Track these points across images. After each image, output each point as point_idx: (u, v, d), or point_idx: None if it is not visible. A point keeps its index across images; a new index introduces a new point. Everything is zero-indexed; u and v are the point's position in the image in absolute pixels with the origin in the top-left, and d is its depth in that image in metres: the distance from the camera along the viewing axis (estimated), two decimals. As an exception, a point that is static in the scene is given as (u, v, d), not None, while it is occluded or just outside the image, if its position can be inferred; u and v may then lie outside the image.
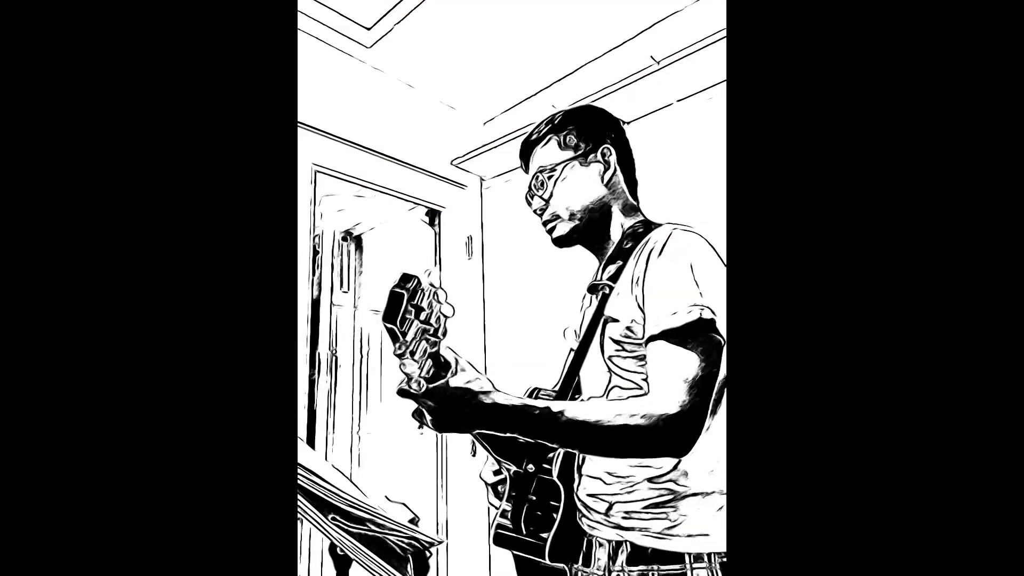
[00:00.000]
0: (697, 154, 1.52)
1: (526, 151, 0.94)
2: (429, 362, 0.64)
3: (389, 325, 0.61)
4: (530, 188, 0.92)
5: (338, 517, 0.62)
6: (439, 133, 1.96)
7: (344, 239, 1.97)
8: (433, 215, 2.00)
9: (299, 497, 0.60)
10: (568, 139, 0.88)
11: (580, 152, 0.87)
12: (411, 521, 0.67)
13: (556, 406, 0.67)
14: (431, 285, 0.64)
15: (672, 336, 0.67)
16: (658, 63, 1.46)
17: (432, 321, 0.64)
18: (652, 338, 0.70)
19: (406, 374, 0.64)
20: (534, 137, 0.92)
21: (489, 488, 0.92)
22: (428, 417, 0.66)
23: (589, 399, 0.83)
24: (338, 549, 0.63)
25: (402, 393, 0.64)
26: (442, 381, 0.64)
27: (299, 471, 0.60)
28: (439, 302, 0.65)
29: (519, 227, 2.00)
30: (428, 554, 0.68)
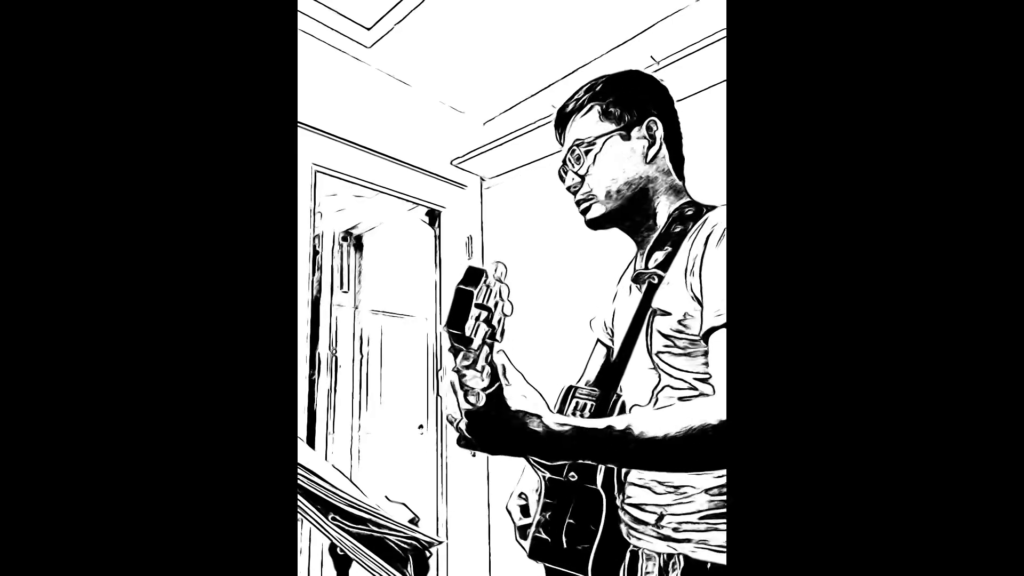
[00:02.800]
0: (697, 154, 1.52)
1: (562, 121, 0.83)
2: (488, 370, 0.54)
3: (455, 331, 0.51)
4: (564, 162, 0.81)
5: (338, 517, 0.62)
6: (439, 133, 1.96)
7: (344, 239, 1.97)
8: (433, 215, 2.00)
9: (299, 497, 0.60)
10: (611, 109, 0.78)
11: (623, 124, 0.77)
12: (411, 521, 0.67)
13: (619, 424, 0.58)
14: (497, 280, 0.55)
15: None
16: (658, 63, 1.46)
17: (493, 322, 0.54)
18: (714, 330, 0.62)
19: (468, 388, 0.54)
20: (572, 106, 0.81)
21: (514, 519, 0.83)
22: (475, 439, 0.56)
23: (633, 408, 0.76)
24: (338, 549, 0.63)
25: (466, 416, 0.54)
26: (494, 389, 0.55)
27: (299, 471, 0.60)
28: (503, 299, 0.55)
29: (519, 227, 2.00)
30: (428, 554, 0.68)
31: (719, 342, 0.62)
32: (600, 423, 0.59)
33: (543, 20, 1.53)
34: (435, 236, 2.00)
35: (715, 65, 1.41)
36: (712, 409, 0.57)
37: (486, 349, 0.53)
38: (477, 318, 0.51)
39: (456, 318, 0.50)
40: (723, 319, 0.61)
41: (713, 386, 0.63)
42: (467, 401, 0.54)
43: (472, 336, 0.51)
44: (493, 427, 0.56)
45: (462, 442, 0.58)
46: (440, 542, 0.75)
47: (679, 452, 0.57)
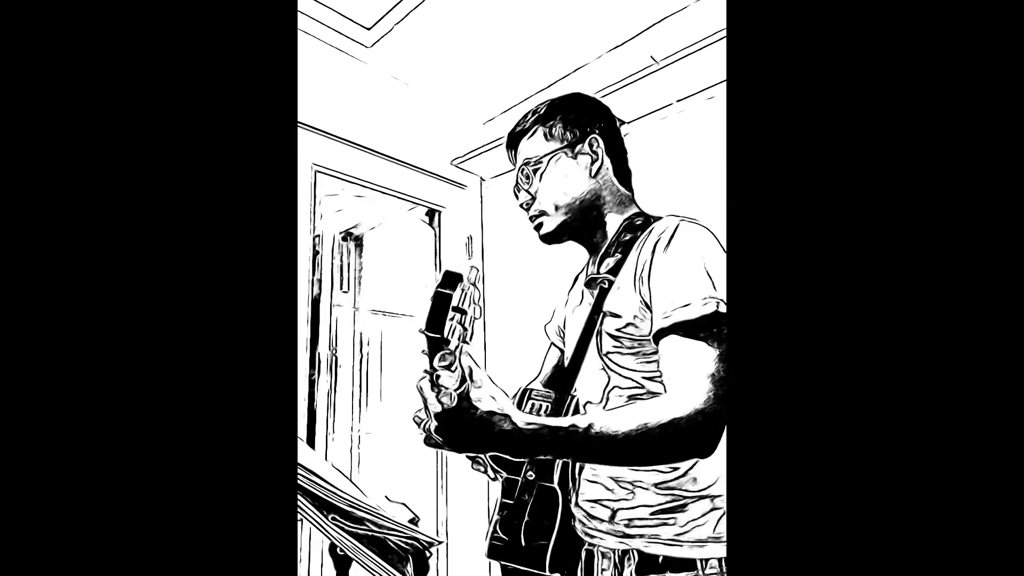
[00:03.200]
0: (697, 154, 1.52)
1: (512, 143, 0.89)
2: (459, 371, 0.56)
3: (432, 335, 0.53)
4: (516, 182, 0.87)
5: (338, 517, 0.62)
6: (439, 133, 1.96)
7: (344, 239, 1.97)
8: (433, 215, 2.00)
9: (299, 497, 0.60)
10: (554, 130, 0.84)
11: (566, 143, 0.83)
12: (411, 521, 0.67)
13: (582, 423, 0.62)
14: (471, 284, 0.56)
15: (687, 329, 0.64)
16: (658, 63, 1.46)
17: (466, 324, 0.56)
18: (663, 332, 0.66)
19: (441, 388, 0.56)
20: (519, 128, 0.87)
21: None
22: (442, 439, 0.60)
23: (587, 405, 0.79)
24: (338, 549, 0.63)
25: (435, 417, 0.57)
26: (461, 390, 0.57)
27: (299, 471, 0.60)
28: (476, 302, 0.57)
29: (519, 227, 1.99)
30: (428, 554, 0.68)
31: (670, 344, 0.65)
32: (565, 422, 0.63)
33: (543, 20, 1.53)
34: (435, 236, 2.00)
35: (715, 65, 1.41)
36: (666, 406, 0.61)
37: (459, 351, 0.55)
38: (453, 319, 0.53)
39: (435, 321, 0.53)
40: (671, 321, 0.65)
41: (664, 384, 0.66)
42: (439, 401, 0.57)
43: (450, 338, 0.53)
44: (462, 427, 0.59)
45: (430, 442, 0.62)
46: (440, 542, 0.75)
47: (639, 447, 0.61)
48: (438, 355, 0.54)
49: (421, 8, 1.49)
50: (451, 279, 0.54)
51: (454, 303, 0.53)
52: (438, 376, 0.57)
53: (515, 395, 0.88)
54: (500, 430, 0.60)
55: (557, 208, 0.82)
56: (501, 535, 0.76)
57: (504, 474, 0.79)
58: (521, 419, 0.61)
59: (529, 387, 0.88)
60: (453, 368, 0.55)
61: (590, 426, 0.62)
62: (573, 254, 0.93)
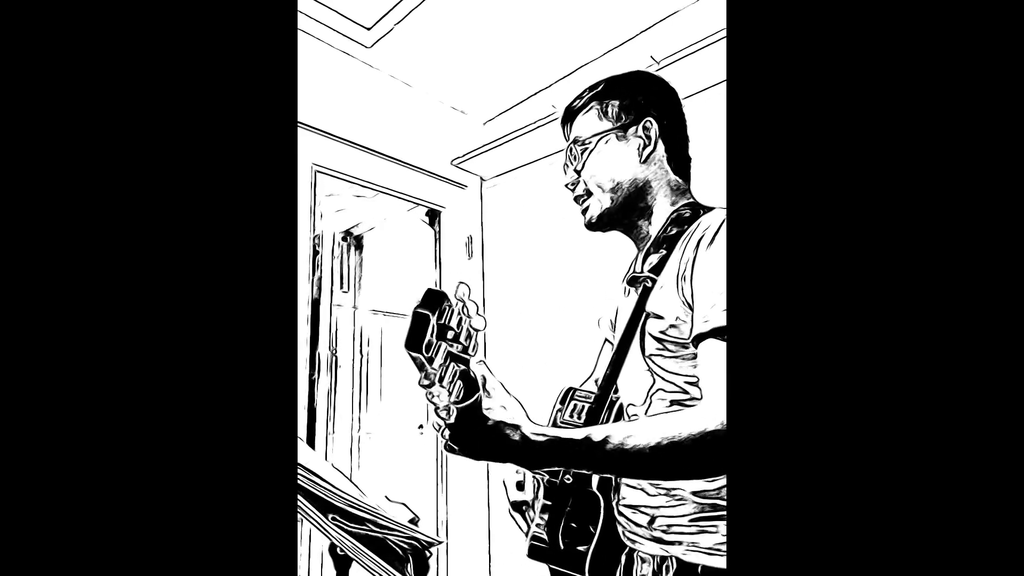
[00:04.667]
0: (697, 154, 1.52)
1: (568, 118, 0.84)
2: (459, 384, 0.57)
3: (414, 353, 0.54)
4: (565, 160, 0.83)
5: (338, 517, 0.62)
6: (439, 133, 1.96)
7: (344, 239, 1.97)
8: (433, 215, 2.00)
9: (299, 497, 0.60)
10: (609, 109, 0.79)
11: (620, 124, 0.78)
12: (411, 521, 0.67)
13: (598, 434, 0.59)
14: (459, 299, 0.57)
15: (725, 334, 0.60)
16: (658, 63, 1.46)
17: (462, 339, 0.57)
18: (702, 336, 0.62)
19: (434, 404, 0.57)
20: (577, 104, 0.82)
21: (508, 495, 0.84)
22: (458, 447, 0.60)
23: (629, 407, 0.76)
24: (338, 549, 0.63)
25: (439, 418, 0.57)
26: (470, 402, 0.58)
27: (299, 471, 0.60)
28: (468, 316, 0.58)
29: (519, 227, 2.00)
30: (428, 554, 0.68)
31: (709, 349, 0.62)
32: (579, 433, 0.60)
33: (543, 20, 1.53)
34: (435, 236, 2.00)
35: (715, 65, 1.41)
36: (694, 418, 0.58)
37: (454, 366, 0.56)
38: (438, 338, 0.54)
39: (414, 339, 0.53)
40: (710, 325, 0.61)
41: (701, 391, 0.63)
42: (438, 415, 0.57)
43: (433, 356, 0.54)
44: (472, 437, 0.59)
45: (447, 447, 0.61)
46: (440, 542, 0.75)
47: (662, 461, 0.58)
48: (421, 374, 0.55)
49: (421, 8, 1.50)
50: (430, 298, 0.54)
51: (440, 321, 0.54)
52: (430, 394, 0.57)
53: (559, 395, 0.86)
54: (510, 441, 0.59)
55: (603, 192, 0.78)
56: (542, 536, 0.75)
57: (546, 476, 0.78)
58: (531, 430, 0.60)
59: (573, 387, 0.86)
60: (446, 384, 0.56)
61: (606, 440, 0.59)
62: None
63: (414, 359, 0.55)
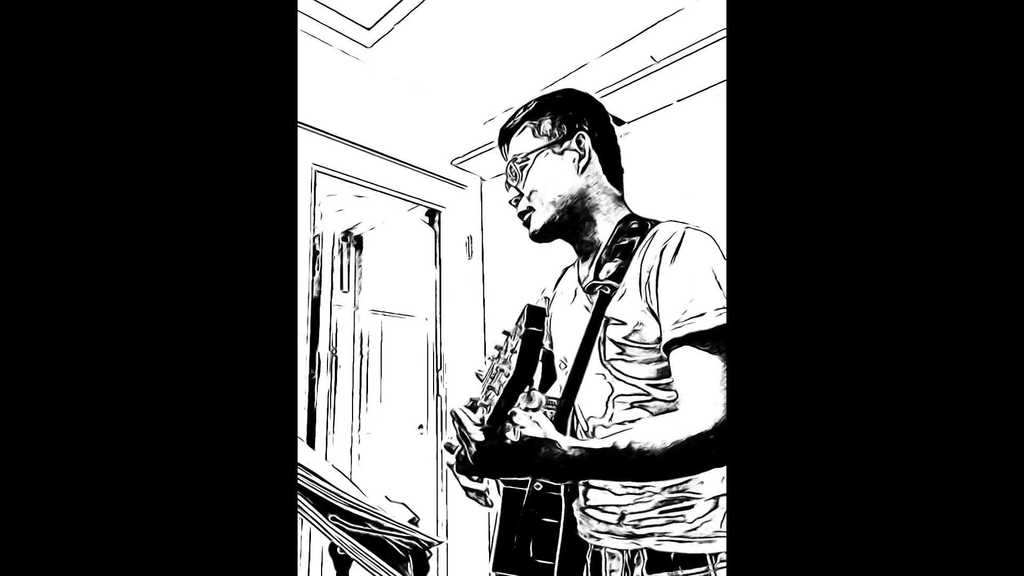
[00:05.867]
0: (697, 154, 1.52)
1: (503, 139, 0.88)
2: (539, 408, 0.59)
3: (522, 379, 0.53)
4: (506, 179, 0.87)
5: (338, 517, 0.62)
6: (439, 133, 1.96)
7: (344, 239, 1.97)
8: (433, 215, 2.00)
9: (299, 497, 0.60)
10: (542, 126, 0.83)
11: (554, 140, 0.82)
12: (411, 521, 0.67)
13: (622, 442, 0.62)
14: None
15: (702, 340, 0.64)
16: (658, 63, 1.46)
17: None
18: (675, 342, 0.66)
19: (515, 426, 0.58)
20: (509, 124, 0.87)
21: (460, 481, 0.84)
22: (481, 467, 0.62)
23: (590, 419, 0.78)
24: (338, 549, 0.63)
25: (479, 446, 0.60)
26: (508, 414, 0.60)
27: (299, 471, 0.60)
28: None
29: (519, 227, 1.99)
30: (428, 554, 0.68)
31: (684, 356, 0.65)
32: (607, 443, 0.63)
33: (543, 20, 1.53)
34: (435, 236, 2.00)
35: (715, 65, 1.41)
36: (687, 419, 0.62)
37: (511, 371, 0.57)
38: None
39: (527, 364, 0.51)
40: (684, 331, 0.65)
41: (678, 395, 0.66)
42: (508, 438, 0.59)
43: (533, 377, 0.53)
44: (504, 454, 0.61)
45: (460, 468, 0.64)
46: (440, 542, 0.75)
47: (669, 463, 0.62)
48: (524, 395, 0.54)
49: (421, 8, 1.50)
50: (538, 315, 0.52)
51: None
52: (513, 413, 0.59)
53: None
54: (547, 457, 0.61)
55: (543, 205, 0.82)
56: (507, 547, 0.76)
57: (503, 485, 0.80)
58: (567, 444, 0.62)
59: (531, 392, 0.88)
60: (537, 408, 0.58)
61: (630, 445, 0.62)
62: (570, 255, 0.91)
63: (527, 384, 0.52)
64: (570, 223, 0.82)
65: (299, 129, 1.57)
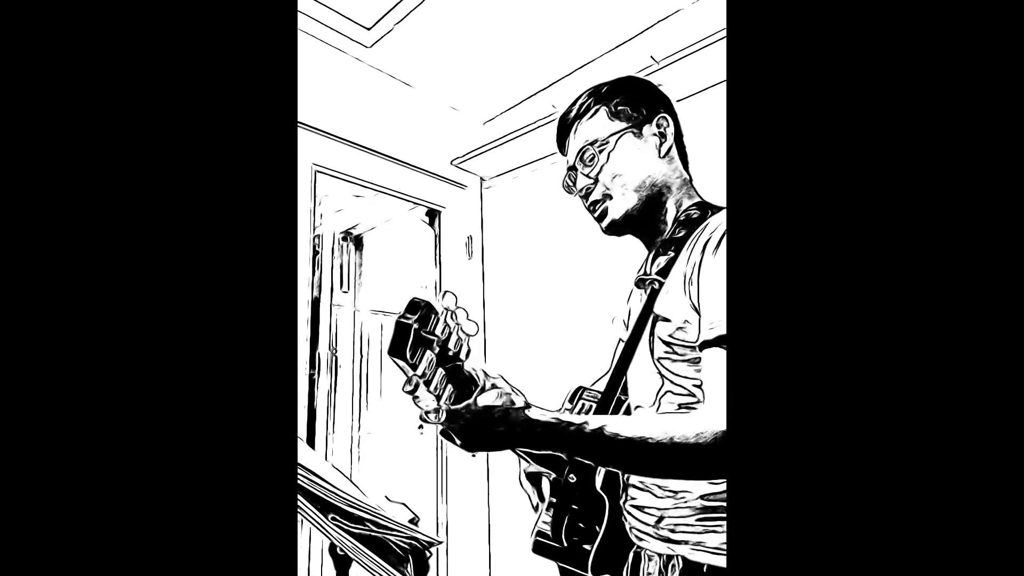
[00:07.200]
0: (697, 154, 1.52)
1: (565, 130, 0.81)
2: (449, 388, 0.60)
3: (397, 360, 0.56)
4: (572, 169, 0.80)
5: (338, 517, 0.62)
6: (439, 133, 1.96)
7: (344, 239, 1.97)
8: (433, 215, 2.00)
9: (299, 497, 0.60)
10: (619, 108, 0.77)
11: (634, 121, 0.76)
12: (411, 521, 0.67)
13: (595, 421, 0.61)
14: (446, 308, 0.59)
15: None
16: (658, 63, 1.46)
17: (450, 345, 0.59)
18: (707, 343, 0.62)
19: (419, 407, 0.60)
20: (575, 111, 0.80)
21: (522, 465, 0.84)
22: (456, 439, 0.61)
23: (636, 409, 0.76)
24: (338, 549, 0.63)
25: (427, 421, 0.59)
26: (468, 401, 0.60)
27: (299, 471, 0.60)
28: (457, 322, 0.60)
29: (519, 227, 2.00)
30: (428, 554, 0.68)
31: (712, 357, 0.62)
32: (578, 418, 0.62)
33: (543, 20, 1.52)
34: (435, 236, 2.00)
35: (715, 65, 1.41)
36: (696, 421, 0.59)
37: (441, 372, 0.59)
38: (421, 344, 0.57)
39: (397, 347, 0.56)
40: (716, 332, 0.61)
41: (706, 398, 0.64)
42: (427, 417, 0.59)
43: (416, 362, 0.56)
44: (474, 425, 0.60)
45: (444, 434, 0.63)
46: (440, 542, 0.76)
47: (652, 457, 0.60)
48: (404, 380, 0.57)
49: (421, 8, 1.49)
50: (413, 307, 0.57)
51: (425, 329, 0.56)
52: (416, 398, 0.59)
53: (568, 394, 0.86)
54: (512, 420, 0.60)
55: (625, 191, 0.76)
56: (546, 533, 0.76)
57: (552, 474, 0.79)
58: (534, 411, 0.61)
59: (582, 386, 0.86)
60: (433, 388, 0.58)
61: (602, 428, 0.60)
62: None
63: (398, 365, 0.57)
64: (645, 212, 0.76)
65: (299, 129, 1.57)
